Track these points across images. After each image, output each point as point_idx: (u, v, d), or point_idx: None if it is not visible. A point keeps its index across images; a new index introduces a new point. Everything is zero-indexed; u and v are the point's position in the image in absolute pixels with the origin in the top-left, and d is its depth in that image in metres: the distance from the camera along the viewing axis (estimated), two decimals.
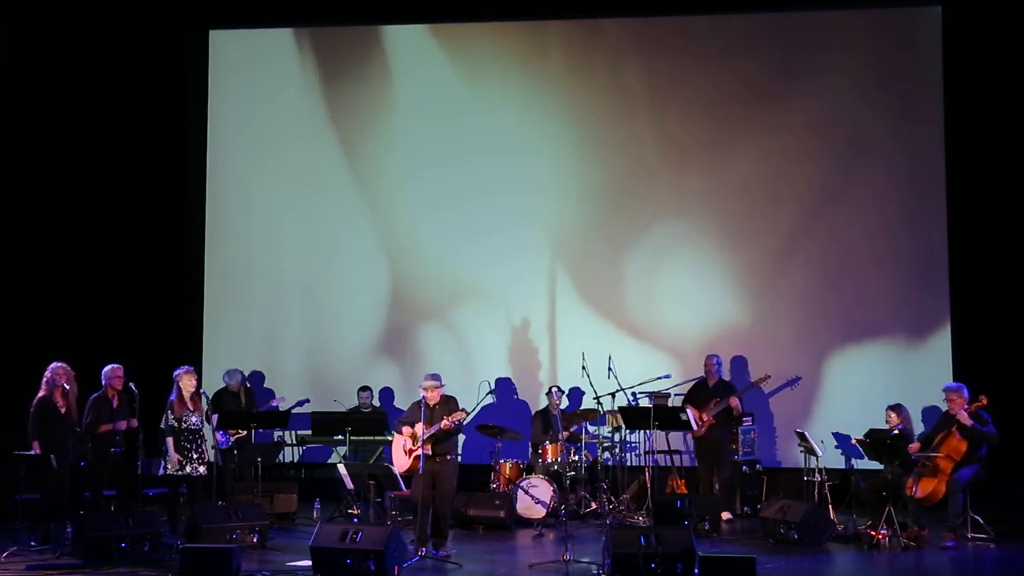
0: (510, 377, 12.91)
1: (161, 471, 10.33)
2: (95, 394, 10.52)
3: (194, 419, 10.25)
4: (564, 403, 12.02)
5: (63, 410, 10.05)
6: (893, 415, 10.38)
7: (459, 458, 9.99)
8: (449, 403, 9.58)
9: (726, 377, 11.90)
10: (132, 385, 10.53)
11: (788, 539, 9.76)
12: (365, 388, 12.55)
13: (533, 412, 12.27)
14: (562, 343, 12.91)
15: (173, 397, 10.30)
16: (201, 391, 10.46)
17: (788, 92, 12.75)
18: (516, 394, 12.84)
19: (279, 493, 11.42)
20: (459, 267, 13.15)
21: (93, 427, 10.40)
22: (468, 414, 9.72)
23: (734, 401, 11.39)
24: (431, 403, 9.44)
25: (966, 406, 9.87)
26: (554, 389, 11.80)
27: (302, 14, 13.43)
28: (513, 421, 12.22)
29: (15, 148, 12.94)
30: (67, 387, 10.07)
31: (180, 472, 10.17)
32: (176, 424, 10.20)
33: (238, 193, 13.61)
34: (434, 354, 13.00)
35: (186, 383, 10.32)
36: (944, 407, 10.24)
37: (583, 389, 12.14)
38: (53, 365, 10.14)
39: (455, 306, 13.15)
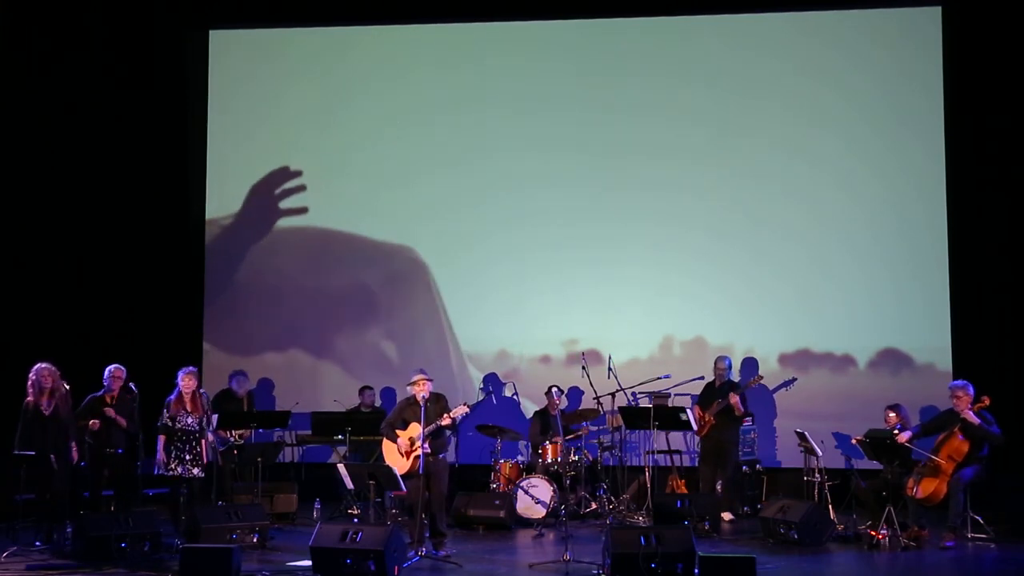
0: (509, 378, 12.93)
1: (156, 471, 10.27)
2: (94, 393, 10.51)
3: (189, 420, 10.12)
4: (564, 403, 12.02)
5: (48, 412, 9.96)
6: (892, 415, 10.38)
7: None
8: (440, 400, 9.58)
9: (735, 379, 11.92)
10: (132, 385, 10.53)
11: (788, 539, 9.76)
12: (367, 387, 12.55)
13: (531, 412, 12.28)
14: (560, 343, 12.95)
15: (172, 396, 10.23)
16: (201, 391, 10.40)
17: (787, 92, 12.76)
18: (516, 394, 12.85)
19: (279, 493, 11.42)
20: (459, 267, 13.17)
21: (81, 419, 10.31)
22: (470, 409, 9.71)
23: (734, 399, 11.39)
24: (423, 400, 9.40)
25: (971, 404, 9.87)
26: (553, 389, 11.79)
27: (302, 14, 13.43)
28: (512, 421, 12.25)
29: (15, 148, 12.95)
30: (53, 387, 9.96)
31: (171, 473, 10.07)
32: (170, 423, 10.13)
33: (238, 193, 13.62)
34: (435, 353, 13.02)
35: (185, 383, 10.23)
36: (943, 406, 10.25)
37: (582, 389, 12.17)
38: (37, 367, 10.03)
39: (455, 306, 13.16)
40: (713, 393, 11.62)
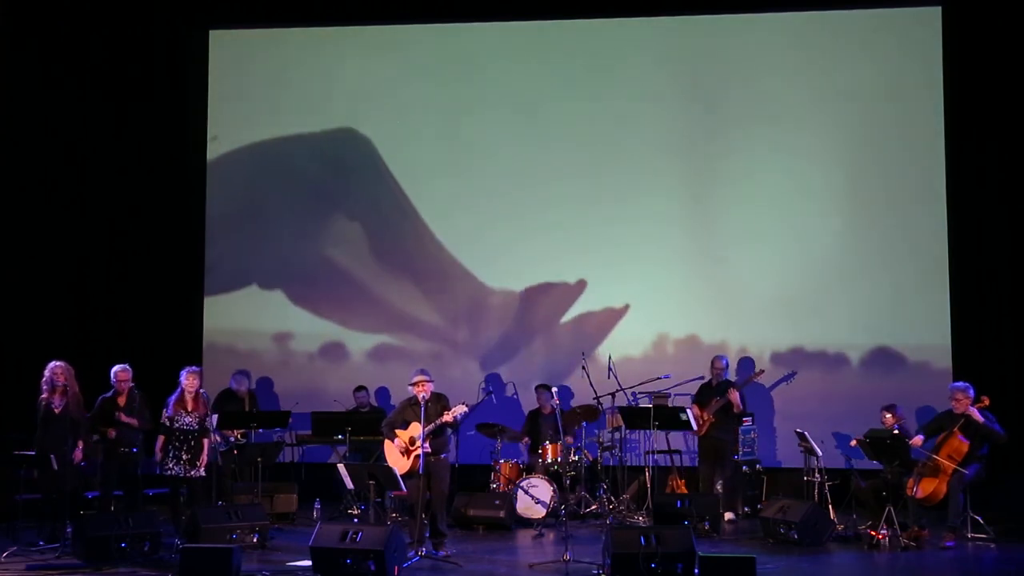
0: (509, 378, 12.93)
1: (157, 470, 10.29)
2: (104, 394, 10.53)
3: (187, 419, 10.10)
4: (556, 402, 11.99)
5: (58, 410, 10.00)
6: (888, 415, 10.40)
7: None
8: (440, 400, 9.56)
9: (731, 378, 11.91)
10: (133, 386, 10.55)
11: (788, 539, 9.76)
12: (361, 388, 12.52)
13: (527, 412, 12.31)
14: (560, 342, 12.95)
15: (173, 396, 10.21)
16: (201, 391, 10.39)
17: (787, 92, 12.75)
18: (516, 393, 12.85)
19: (279, 493, 11.42)
20: (459, 266, 13.18)
21: (95, 424, 10.37)
22: (470, 408, 9.70)
23: (733, 395, 11.39)
24: (424, 400, 9.39)
25: (970, 405, 9.87)
26: (553, 389, 11.76)
27: (302, 14, 13.42)
28: (512, 421, 12.27)
29: (16, 148, 12.95)
30: (66, 385, 10.02)
31: (168, 472, 10.07)
32: (168, 423, 10.12)
33: (238, 193, 13.63)
34: (434, 352, 13.03)
35: (187, 383, 10.22)
36: (941, 405, 10.25)
37: (573, 391, 12.22)
38: (51, 364, 10.09)
39: (455, 305, 13.18)
40: (710, 392, 11.61)
